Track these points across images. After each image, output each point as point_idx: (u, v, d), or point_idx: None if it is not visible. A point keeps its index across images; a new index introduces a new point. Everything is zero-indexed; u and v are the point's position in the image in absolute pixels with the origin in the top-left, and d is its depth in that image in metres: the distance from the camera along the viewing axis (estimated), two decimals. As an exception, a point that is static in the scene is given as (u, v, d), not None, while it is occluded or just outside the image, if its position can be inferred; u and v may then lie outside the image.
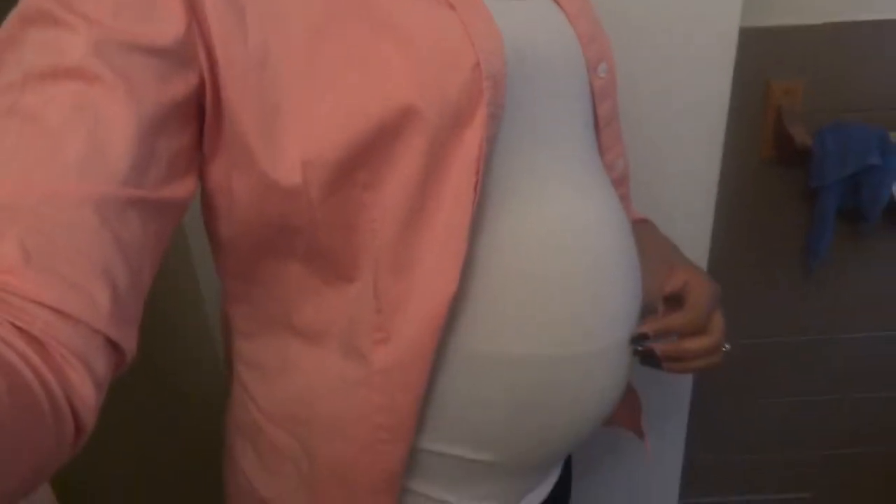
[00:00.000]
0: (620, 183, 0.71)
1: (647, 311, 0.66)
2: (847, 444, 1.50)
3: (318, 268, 0.54)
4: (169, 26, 0.44)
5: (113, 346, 0.41)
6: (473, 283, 0.53)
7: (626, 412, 0.83)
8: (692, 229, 1.07)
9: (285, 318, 0.58)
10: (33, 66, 0.41)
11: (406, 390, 0.53)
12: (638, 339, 0.63)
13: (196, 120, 0.48)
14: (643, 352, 0.64)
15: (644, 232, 0.75)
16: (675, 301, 0.67)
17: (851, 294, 1.34)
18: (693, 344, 0.65)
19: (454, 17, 0.50)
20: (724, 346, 0.67)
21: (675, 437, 1.25)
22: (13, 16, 0.42)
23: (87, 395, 0.38)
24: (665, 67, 0.97)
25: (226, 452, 0.69)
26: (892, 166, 1.11)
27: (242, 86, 0.47)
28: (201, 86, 0.47)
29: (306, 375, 0.58)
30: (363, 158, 0.48)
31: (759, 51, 1.12)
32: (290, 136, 0.48)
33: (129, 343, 0.42)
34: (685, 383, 1.20)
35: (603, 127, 0.66)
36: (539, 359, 0.56)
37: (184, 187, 0.48)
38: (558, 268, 0.56)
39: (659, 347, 0.64)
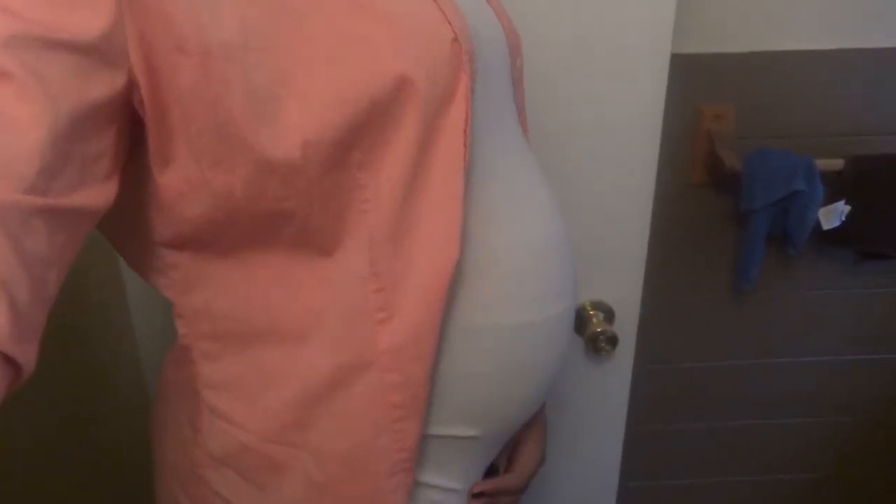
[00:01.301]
0: None
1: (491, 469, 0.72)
2: (778, 470, 1.52)
3: (304, 258, 0.53)
4: (94, 21, 0.41)
5: (9, 361, 0.38)
6: (465, 258, 0.54)
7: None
8: (626, 253, 1.08)
9: (261, 325, 0.55)
10: None
11: (419, 361, 0.53)
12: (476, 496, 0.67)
13: (120, 122, 0.46)
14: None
15: None
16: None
17: (780, 319, 1.36)
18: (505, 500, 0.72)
19: None
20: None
21: (609, 462, 1.25)
22: None
23: None
24: (597, 92, 0.98)
25: (186, 489, 0.63)
26: (818, 193, 1.14)
27: (225, 71, 0.45)
28: (129, 87, 0.44)
29: (299, 379, 0.55)
30: (358, 137, 0.49)
31: (690, 76, 1.15)
32: (286, 117, 0.47)
33: (28, 358, 0.39)
34: (619, 406, 1.19)
35: (519, 112, 0.70)
36: (524, 326, 0.59)
37: (100, 193, 0.45)
38: (534, 238, 0.59)
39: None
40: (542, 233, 0.61)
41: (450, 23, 0.52)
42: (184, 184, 0.49)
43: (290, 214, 0.51)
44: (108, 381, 1.09)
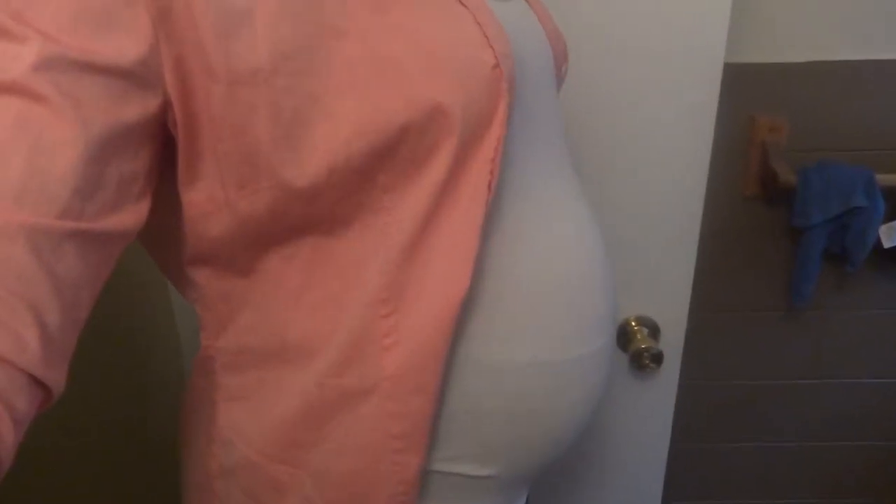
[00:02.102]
0: None
1: None
2: (829, 495, 1.47)
3: (319, 275, 0.52)
4: (131, 45, 0.41)
5: (39, 384, 0.38)
6: (483, 288, 0.53)
7: None
8: (673, 266, 1.05)
9: (279, 341, 0.55)
10: None
11: (420, 393, 0.52)
12: None
13: (154, 143, 0.46)
14: None
15: None
16: None
17: (835, 338, 1.32)
18: None
19: (469, 16, 0.50)
20: None
21: (652, 481, 1.22)
22: None
23: (6, 434, 0.35)
24: (647, 100, 0.96)
25: (199, 498, 0.64)
26: (879, 209, 1.10)
27: (253, 97, 0.45)
28: (164, 108, 0.45)
29: (304, 397, 0.55)
30: (387, 162, 0.48)
31: (744, 87, 1.12)
32: (312, 142, 0.46)
33: (57, 381, 0.40)
34: (663, 424, 1.16)
35: None
36: (543, 364, 0.56)
37: (133, 214, 0.45)
38: (563, 270, 0.57)
39: None
40: (575, 262, 0.58)
41: (492, 47, 0.50)
42: (208, 203, 0.49)
43: (310, 234, 0.51)
44: (152, 384, 1.11)
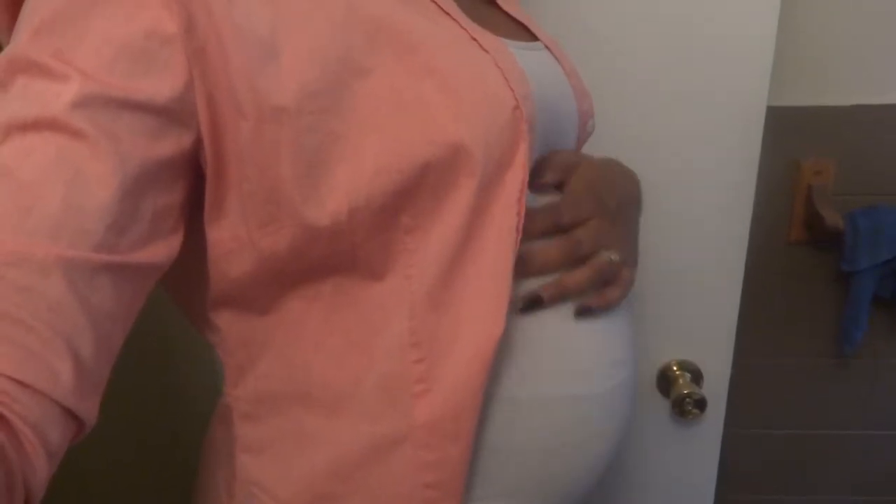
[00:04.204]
0: None
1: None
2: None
3: (341, 319, 0.52)
4: (167, 84, 0.42)
5: (72, 416, 0.39)
6: (510, 326, 0.52)
7: None
8: (716, 310, 1.04)
9: (301, 388, 0.54)
10: (16, 117, 0.39)
11: (457, 440, 0.50)
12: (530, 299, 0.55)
13: (188, 178, 0.47)
14: (528, 302, 0.55)
15: None
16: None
17: (886, 387, 1.27)
18: (573, 279, 0.56)
19: (489, 59, 0.51)
20: (611, 258, 0.59)
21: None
22: (1, 61, 0.41)
23: (40, 467, 0.36)
24: (689, 143, 0.96)
25: None
26: (930, 254, 1.06)
27: (276, 135, 0.45)
28: (197, 144, 0.45)
29: (332, 447, 0.53)
30: (409, 202, 0.48)
31: (789, 130, 1.11)
32: (334, 180, 0.46)
33: (90, 413, 0.40)
34: (708, 474, 1.13)
35: None
36: (570, 399, 0.56)
37: (166, 248, 0.46)
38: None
39: (544, 293, 0.55)
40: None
41: (512, 89, 0.50)
42: (232, 241, 0.49)
43: (332, 275, 0.50)
44: (189, 405, 1.11)
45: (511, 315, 0.51)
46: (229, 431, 0.59)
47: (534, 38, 0.65)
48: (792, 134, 1.11)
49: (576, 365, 0.56)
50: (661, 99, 0.94)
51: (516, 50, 0.55)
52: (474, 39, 0.52)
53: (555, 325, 0.55)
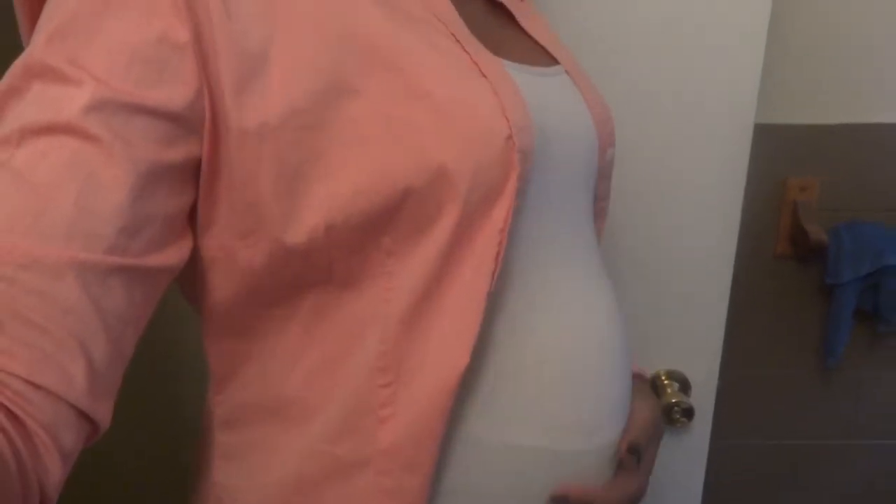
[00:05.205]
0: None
1: None
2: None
3: (318, 337, 0.52)
4: (179, 91, 0.42)
5: (86, 418, 0.39)
6: (487, 365, 0.51)
7: None
8: (704, 322, 1.05)
9: (274, 402, 0.54)
10: (32, 121, 0.40)
11: (415, 471, 0.50)
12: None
13: (196, 183, 0.47)
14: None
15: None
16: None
17: (868, 398, 1.29)
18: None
19: (487, 85, 0.49)
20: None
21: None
22: (18, 66, 0.42)
23: (54, 469, 0.36)
24: (676, 160, 0.97)
25: None
26: (911, 268, 1.09)
27: (259, 150, 0.45)
28: (202, 150, 0.46)
29: (297, 462, 0.53)
30: (389, 224, 0.47)
31: (776, 147, 1.13)
32: (311, 198, 0.46)
33: (103, 415, 0.40)
34: (694, 483, 1.14)
35: (597, 202, 0.67)
36: (545, 453, 0.54)
37: (177, 251, 0.46)
38: (567, 361, 0.54)
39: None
40: (580, 354, 0.55)
41: (507, 118, 0.48)
42: (218, 250, 0.49)
43: (309, 293, 0.50)
44: (191, 409, 1.12)
45: (484, 354, 0.51)
46: (210, 436, 0.59)
47: (555, 61, 0.63)
48: (778, 151, 1.14)
49: (550, 419, 0.54)
50: (650, 115, 0.95)
51: (528, 76, 0.55)
52: (475, 64, 0.50)
53: (530, 373, 0.53)
